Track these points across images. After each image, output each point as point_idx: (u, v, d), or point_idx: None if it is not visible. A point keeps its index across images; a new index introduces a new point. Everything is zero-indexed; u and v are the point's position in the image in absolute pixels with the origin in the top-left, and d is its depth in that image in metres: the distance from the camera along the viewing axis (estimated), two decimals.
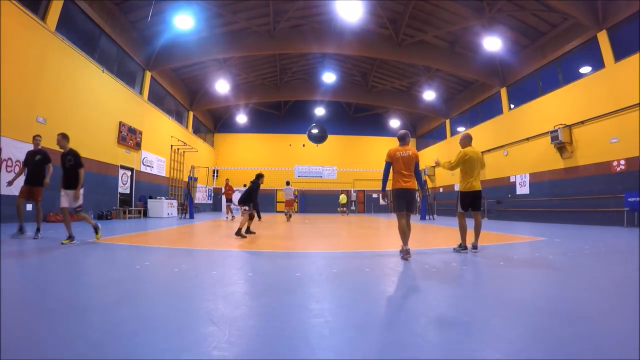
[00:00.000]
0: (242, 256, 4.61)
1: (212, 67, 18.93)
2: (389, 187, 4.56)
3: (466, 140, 5.04)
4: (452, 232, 8.41)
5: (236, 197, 11.49)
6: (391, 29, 15.46)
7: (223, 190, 15.93)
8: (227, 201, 14.91)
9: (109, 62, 13.02)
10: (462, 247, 4.82)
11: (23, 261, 3.94)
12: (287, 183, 14.81)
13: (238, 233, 6.71)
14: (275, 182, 21.73)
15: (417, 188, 4.39)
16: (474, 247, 4.83)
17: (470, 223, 4.98)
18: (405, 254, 4.12)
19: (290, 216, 14.27)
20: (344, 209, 22.58)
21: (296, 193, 22.50)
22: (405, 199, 4.32)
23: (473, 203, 4.91)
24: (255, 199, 7.46)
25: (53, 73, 10.01)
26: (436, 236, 8.07)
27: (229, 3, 14.04)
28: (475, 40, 14.77)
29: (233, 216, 14.25)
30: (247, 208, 7.11)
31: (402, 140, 4.49)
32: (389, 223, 12.80)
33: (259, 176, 7.75)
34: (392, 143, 29.06)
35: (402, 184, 4.29)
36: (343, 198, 22.15)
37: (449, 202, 21.08)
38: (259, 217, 12.20)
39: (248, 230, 7.23)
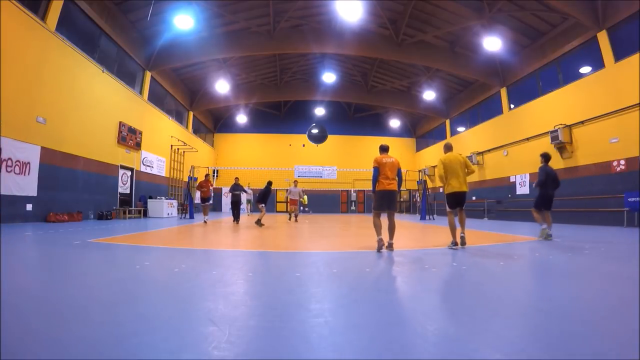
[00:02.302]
0: (242, 256, 4.61)
1: (212, 67, 18.93)
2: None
3: (446, 149, 5.67)
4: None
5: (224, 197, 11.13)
6: (391, 29, 15.46)
7: (197, 186, 12.77)
8: (202, 201, 12.15)
9: (109, 62, 13.02)
10: (453, 243, 5.18)
11: (23, 261, 3.94)
12: (294, 183, 14.41)
13: (257, 222, 9.79)
14: (276, 182, 21.78)
15: (397, 190, 5.07)
16: (461, 237, 5.22)
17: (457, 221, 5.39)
18: (380, 243, 4.78)
19: (290, 216, 13.78)
20: (307, 208, 24.51)
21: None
22: (388, 199, 5.02)
23: (458, 202, 5.41)
24: (267, 200, 10.59)
25: (53, 73, 10.01)
26: (436, 236, 8.06)
27: (229, 3, 14.04)
28: (475, 40, 14.77)
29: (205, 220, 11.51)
30: (263, 205, 10.50)
31: (385, 150, 5.30)
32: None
33: (270, 183, 11.28)
34: (392, 143, 28.90)
35: (386, 185, 4.97)
36: (305, 199, 24.27)
37: None
38: (237, 220, 11.63)
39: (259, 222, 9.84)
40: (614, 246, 5.71)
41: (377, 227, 4.95)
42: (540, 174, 6.86)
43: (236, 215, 11.77)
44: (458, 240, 5.18)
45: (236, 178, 12.35)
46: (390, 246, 4.85)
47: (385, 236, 4.88)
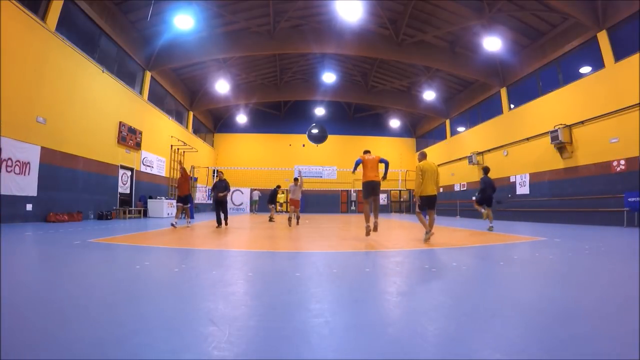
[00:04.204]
0: (242, 256, 4.61)
1: (212, 67, 18.93)
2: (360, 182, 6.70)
3: (422, 156, 6.53)
4: (451, 232, 8.45)
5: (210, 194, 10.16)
6: (391, 29, 15.46)
7: (177, 184, 10.55)
8: (178, 200, 9.83)
9: (109, 62, 13.02)
10: (427, 232, 6.08)
11: (23, 261, 3.94)
12: (295, 181, 11.13)
13: (270, 220, 11.64)
14: (276, 182, 21.84)
15: (380, 180, 6.38)
16: (429, 231, 6.11)
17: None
18: (367, 230, 6.29)
19: (291, 219, 10.39)
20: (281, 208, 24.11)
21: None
22: (372, 188, 6.41)
23: (429, 204, 6.27)
24: (275, 201, 12.51)
25: (53, 73, 10.01)
26: (436, 236, 8.04)
27: (229, 3, 14.04)
28: (475, 40, 14.77)
29: (188, 222, 10.01)
30: (273, 205, 13.26)
31: (368, 152, 6.75)
32: (389, 223, 12.82)
33: (278, 187, 14.46)
34: (392, 143, 28.75)
35: (369, 178, 6.40)
36: (282, 198, 23.83)
37: (450, 202, 21.08)
38: (225, 222, 9.52)
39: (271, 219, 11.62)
40: (613, 246, 5.71)
41: (366, 216, 6.38)
42: (481, 183, 9.57)
43: (220, 218, 9.31)
44: (430, 229, 6.11)
45: (220, 173, 10.12)
46: (375, 223, 6.13)
47: (372, 224, 6.26)
